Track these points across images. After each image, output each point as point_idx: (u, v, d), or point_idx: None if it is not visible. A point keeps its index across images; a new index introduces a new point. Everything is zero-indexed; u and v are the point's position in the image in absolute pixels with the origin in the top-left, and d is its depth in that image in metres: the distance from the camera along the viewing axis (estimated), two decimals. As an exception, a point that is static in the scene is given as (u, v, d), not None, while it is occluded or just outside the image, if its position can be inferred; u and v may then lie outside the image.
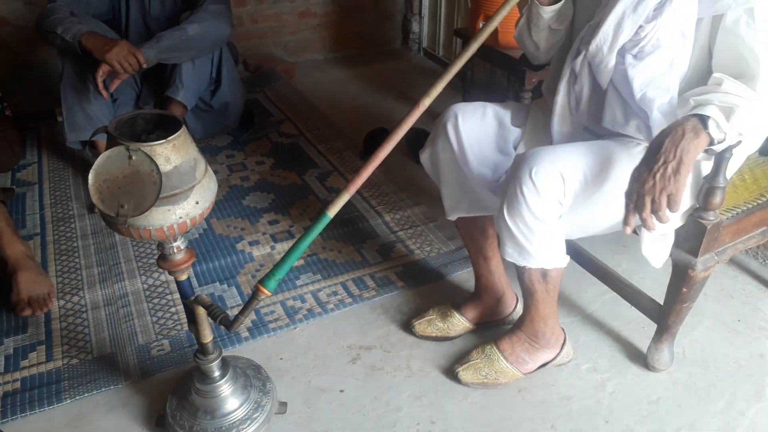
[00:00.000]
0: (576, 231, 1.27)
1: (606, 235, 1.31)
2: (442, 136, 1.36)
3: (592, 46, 1.15)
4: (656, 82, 1.12)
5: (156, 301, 1.67)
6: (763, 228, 1.39)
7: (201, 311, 1.16)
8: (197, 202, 0.99)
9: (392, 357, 1.51)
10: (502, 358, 1.40)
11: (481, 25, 1.17)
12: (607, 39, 1.13)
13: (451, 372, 1.44)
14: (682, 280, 1.30)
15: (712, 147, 1.04)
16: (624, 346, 1.53)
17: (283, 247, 1.90)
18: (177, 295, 1.68)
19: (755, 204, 1.33)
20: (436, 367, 1.47)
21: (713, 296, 1.68)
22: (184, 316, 1.58)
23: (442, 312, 1.56)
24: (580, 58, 1.19)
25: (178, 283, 1.14)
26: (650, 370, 1.45)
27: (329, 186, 2.26)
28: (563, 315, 1.61)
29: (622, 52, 1.14)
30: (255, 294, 1.11)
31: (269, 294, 1.11)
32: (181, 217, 0.97)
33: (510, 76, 2.32)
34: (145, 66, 2.03)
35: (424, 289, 1.73)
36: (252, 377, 1.32)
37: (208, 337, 1.19)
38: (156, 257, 1.18)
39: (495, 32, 2.18)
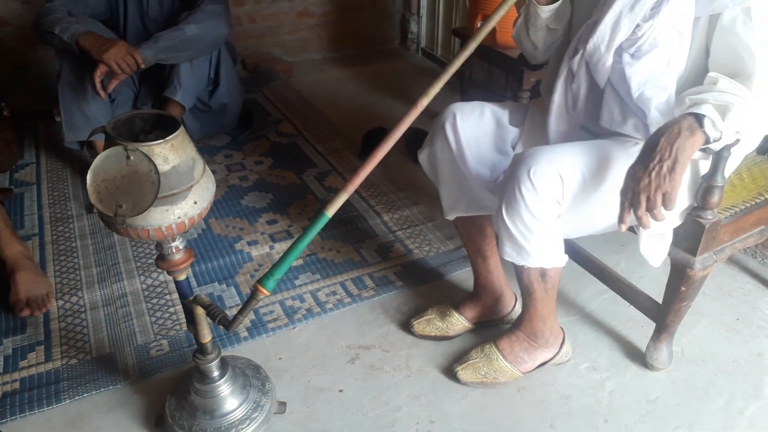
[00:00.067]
0: (574, 230, 1.27)
1: (604, 235, 1.31)
2: (441, 136, 1.36)
3: (590, 45, 1.15)
4: (653, 81, 1.12)
5: (155, 301, 1.67)
6: (761, 227, 1.39)
7: (200, 311, 1.16)
8: (195, 202, 0.99)
9: (391, 356, 1.51)
10: (501, 357, 1.40)
11: (479, 25, 1.17)
12: (604, 38, 1.13)
13: (450, 371, 1.44)
14: (680, 279, 1.30)
15: (710, 146, 1.04)
16: (623, 345, 1.53)
17: (281, 246, 1.90)
18: (176, 295, 1.68)
19: (753, 203, 1.33)
20: (435, 367, 1.48)
21: (712, 295, 1.68)
22: (183, 316, 1.57)
23: (441, 311, 1.56)
24: (577, 57, 1.19)
25: (177, 283, 1.14)
26: (649, 369, 1.46)
27: (328, 185, 2.26)
28: (562, 314, 1.61)
29: (619, 51, 1.14)
30: (254, 294, 1.11)
31: (268, 294, 1.10)
32: (179, 217, 0.97)
33: (508, 76, 2.32)
34: (143, 66, 2.03)
35: (422, 289, 1.73)
36: (251, 377, 1.32)
37: (206, 337, 1.19)
38: (155, 257, 1.18)
39: (493, 32, 2.18)
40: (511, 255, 1.23)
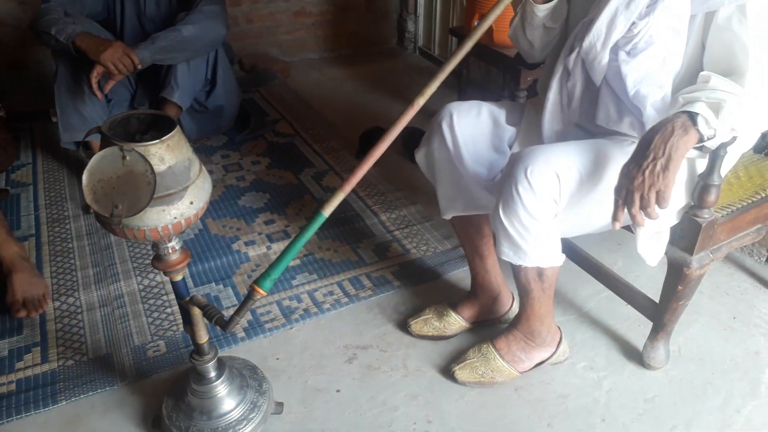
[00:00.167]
0: (571, 229, 1.27)
1: (601, 234, 1.31)
2: (438, 135, 1.36)
3: (586, 43, 1.15)
4: (649, 78, 1.12)
5: (152, 301, 1.67)
6: (757, 225, 1.39)
7: (196, 312, 1.16)
8: (192, 203, 0.99)
9: (389, 356, 1.51)
10: (498, 356, 1.40)
11: (476, 24, 1.17)
12: (600, 36, 1.13)
13: (447, 371, 1.44)
14: (677, 278, 1.30)
15: (706, 144, 1.04)
16: (620, 344, 1.54)
17: (279, 247, 1.90)
18: (173, 296, 1.67)
19: (750, 201, 1.33)
20: (433, 367, 1.47)
21: (709, 294, 1.68)
22: (180, 316, 1.57)
23: (438, 311, 1.56)
24: (573, 55, 1.19)
25: (174, 283, 1.14)
26: (646, 368, 1.46)
27: (325, 185, 2.25)
28: (559, 313, 1.61)
29: (615, 49, 1.14)
30: (250, 294, 1.11)
31: (264, 294, 1.10)
32: (175, 218, 0.97)
33: (505, 75, 2.32)
34: (139, 67, 2.03)
35: (420, 289, 1.73)
36: (248, 377, 1.32)
37: (203, 337, 1.19)
38: (151, 258, 1.18)
39: (490, 31, 2.18)
40: (508, 254, 1.23)
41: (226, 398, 1.24)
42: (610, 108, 1.19)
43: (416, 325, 1.55)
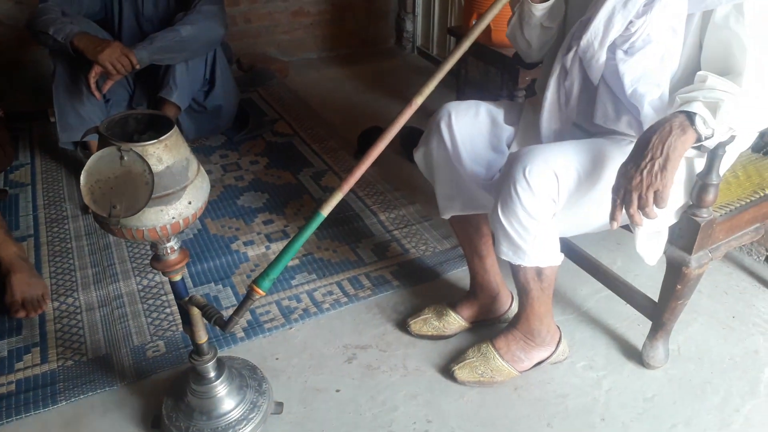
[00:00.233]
0: (570, 229, 1.27)
1: (600, 233, 1.31)
2: (436, 135, 1.36)
3: (583, 42, 1.15)
4: (647, 77, 1.12)
5: (151, 302, 1.67)
6: (756, 224, 1.39)
7: (195, 312, 1.16)
8: (190, 202, 0.99)
9: (388, 356, 1.51)
10: (497, 356, 1.40)
11: (473, 24, 1.17)
12: (597, 34, 1.13)
13: (447, 371, 1.44)
14: (676, 277, 1.30)
15: (704, 143, 1.04)
16: (619, 344, 1.54)
17: (278, 246, 1.90)
18: (172, 296, 1.66)
19: (748, 201, 1.33)
20: (432, 366, 1.47)
21: (707, 293, 1.69)
22: (179, 316, 1.57)
23: (437, 311, 1.56)
24: (571, 54, 1.19)
25: (172, 283, 1.14)
26: (645, 368, 1.46)
27: (324, 185, 2.25)
28: (558, 313, 1.61)
29: (612, 48, 1.14)
30: (249, 294, 1.11)
31: (263, 294, 1.10)
32: (173, 218, 0.97)
33: (504, 75, 2.32)
34: (137, 67, 2.03)
35: (419, 288, 1.73)
36: (248, 378, 1.32)
37: (203, 337, 1.19)
38: (150, 258, 1.18)
39: (488, 31, 2.18)
40: (507, 254, 1.23)
41: (225, 398, 1.24)
42: (608, 107, 1.19)
43: (415, 324, 1.55)
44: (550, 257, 1.24)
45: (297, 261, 1.83)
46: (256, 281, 1.10)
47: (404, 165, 2.35)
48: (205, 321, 1.16)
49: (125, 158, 0.90)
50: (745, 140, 1.25)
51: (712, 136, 1.03)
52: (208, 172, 2.30)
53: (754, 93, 1.05)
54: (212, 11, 2.18)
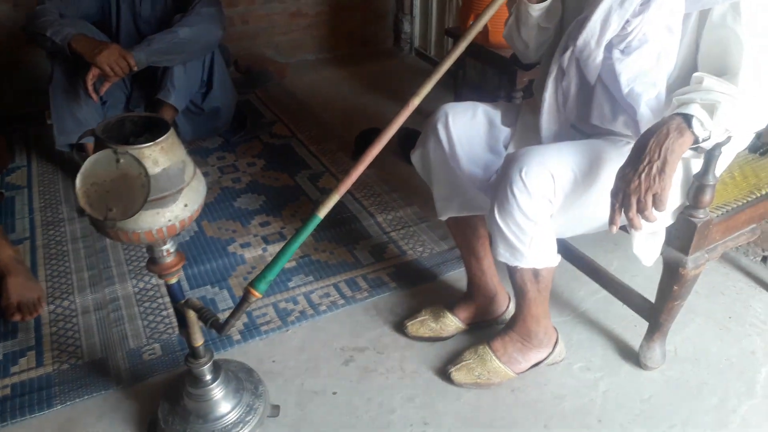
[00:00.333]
0: (567, 230, 1.27)
1: (597, 234, 1.31)
2: (433, 136, 1.36)
3: (580, 41, 1.15)
4: (643, 76, 1.12)
5: (147, 304, 1.67)
6: (752, 225, 1.39)
7: (191, 315, 1.15)
8: (186, 205, 0.98)
9: (385, 358, 1.50)
10: (494, 358, 1.40)
11: (470, 25, 1.17)
12: (594, 34, 1.13)
13: (444, 373, 1.43)
14: (673, 278, 1.31)
15: (701, 145, 1.04)
16: (616, 345, 1.54)
17: (274, 248, 1.90)
18: (168, 299, 1.66)
19: (745, 201, 1.34)
20: (429, 368, 1.47)
21: (704, 294, 1.69)
22: (176, 319, 1.57)
23: (434, 312, 1.56)
24: (567, 54, 1.19)
25: (168, 286, 1.14)
26: (642, 369, 1.46)
27: (321, 187, 2.25)
28: (555, 314, 1.61)
29: (609, 47, 1.14)
30: (245, 296, 1.10)
31: (259, 296, 1.10)
32: (170, 220, 0.97)
33: (501, 76, 2.32)
34: (135, 69, 2.02)
35: (416, 290, 1.73)
36: (244, 380, 1.32)
37: (198, 340, 1.19)
38: (146, 261, 1.18)
39: (485, 31, 2.18)
40: (504, 256, 1.23)
41: (222, 401, 1.24)
42: (605, 107, 1.19)
43: (413, 326, 1.55)
44: (547, 258, 1.24)
45: (294, 263, 1.82)
46: (253, 284, 1.09)
47: (402, 166, 2.35)
48: (201, 324, 1.16)
49: (121, 161, 0.90)
50: (742, 141, 1.25)
51: (710, 138, 1.03)
52: (205, 174, 2.29)
53: (751, 92, 1.05)
54: (210, 13, 2.18)
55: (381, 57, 3.66)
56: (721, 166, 1.21)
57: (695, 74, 1.07)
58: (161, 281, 1.68)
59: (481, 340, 1.45)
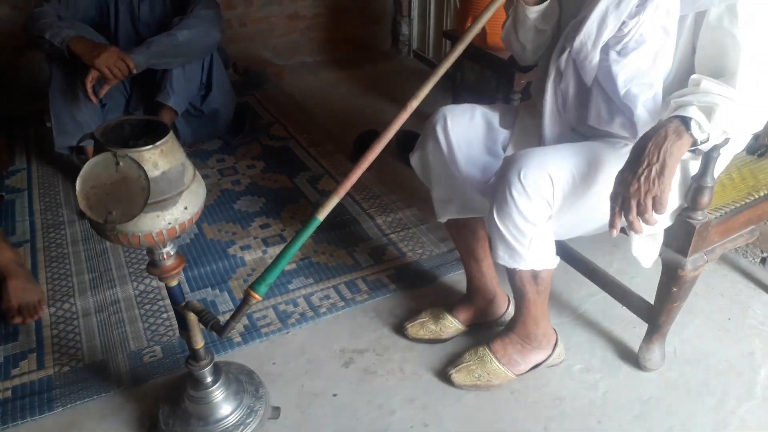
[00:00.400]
0: (566, 231, 1.27)
1: (596, 236, 1.31)
2: (432, 138, 1.36)
3: (576, 43, 1.16)
4: (640, 78, 1.13)
5: (148, 307, 1.67)
6: (751, 227, 1.40)
7: (192, 317, 1.16)
8: (186, 208, 0.99)
9: (385, 360, 1.51)
10: (494, 359, 1.40)
11: (468, 27, 1.18)
12: (590, 35, 1.14)
13: (443, 374, 1.44)
14: (672, 279, 1.31)
15: (699, 147, 1.05)
16: (615, 346, 1.54)
17: (275, 251, 1.90)
18: (169, 301, 1.67)
19: (743, 203, 1.34)
20: (429, 370, 1.48)
21: (703, 295, 1.69)
22: (176, 321, 1.57)
23: (434, 314, 1.56)
24: (564, 56, 1.20)
25: (169, 289, 1.14)
26: (642, 370, 1.46)
27: (321, 189, 2.25)
28: (554, 316, 1.61)
29: (606, 49, 1.14)
30: (246, 299, 1.11)
31: (260, 299, 1.10)
32: (170, 223, 0.97)
33: (499, 78, 2.33)
34: (134, 71, 2.03)
35: (416, 292, 1.73)
36: (244, 382, 1.32)
37: (199, 343, 1.19)
38: (147, 263, 1.18)
39: (483, 33, 2.19)
40: (503, 258, 1.23)
41: (222, 403, 1.24)
42: (602, 108, 1.20)
43: (413, 328, 1.55)
44: (546, 260, 1.24)
45: (294, 265, 1.83)
46: (253, 286, 1.10)
47: (401, 168, 2.35)
48: (202, 326, 1.16)
49: (121, 164, 0.90)
50: (740, 142, 1.25)
51: (708, 140, 1.03)
52: (205, 176, 2.30)
53: (749, 93, 1.05)
54: (209, 15, 2.19)
55: (379, 59, 3.66)
56: (719, 168, 1.21)
57: (693, 76, 1.08)
58: (162, 283, 1.70)
59: (480, 342, 1.45)
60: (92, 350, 1.53)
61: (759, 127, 1.12)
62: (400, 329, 1.58)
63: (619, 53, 1.13)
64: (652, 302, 1.40)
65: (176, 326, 1.58)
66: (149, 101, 2.28)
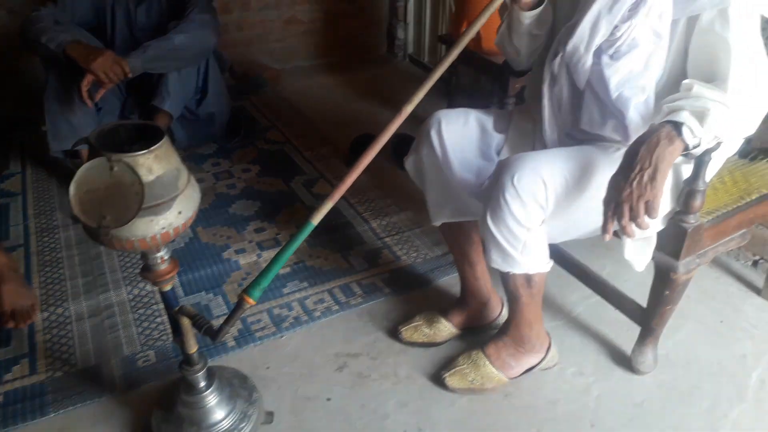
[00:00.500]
0: (559, 235, 1.28)
1: (589, 239, 1.32)
2: (426, 143, 1.37)
3: (569, 47, 1.17)
4: (632, 81, 1.14)
5: (141, 311, 1.66)
6: (743, 230, 1.41)
7: (186, 322, 1.15)
8: (180, 212, 0.99)
9: (379, 364, 1.51)
10: (488, 363, 1.41)
11: (463, 32, 1.18)
12: (583, 39, 1.14)
13: (437, 378, 1.44)
14: (664, 283, 1.32)
15: (691, 151, 1.05)
16: (609, 349, 1.54)
17: (269, 255, 1.90)
18: (163, 305, 1.67)
19: (735, 206, 1.35)
20: (423, 374, 1.48)
21: (696, 298, 1.70)
22: (170, 326, 1.57)
23: (428, 318, 1.56)
24: (557, 60, 1.21)
25: (162, 293, 1.14)
26: (635, 373, 1.47)
27: (316, 193, 2.26)
28: (548, 319, 1.61)
29: (598, 53, 1.15)
30: (239, 303, 1.11)
31: (254, 303, 1.10)
32: (164, 228, 0.97)
33: (494, 82, 2.34)
34: (130, 75, 2.02)
35: (410, 296, 1.74)
36: (238, 387, 1.32)
37: (193, 347, 1.19)
38: (140, 268, 1.18)
39: (478, 38, 2.20)
40: (497, 262, 1.23)
41: (215, 408, 1.24)
42: (594, 111, 1.21)
43: (407, 332, 1.55)
44: (540, 264, 1.25)
45: (288, 269, 1.83)
46: (247, 290, 1.10)
47: (395, 172, 2.36)
48: (196, 331, 1.16)
49: (115, 168, 0.90)
50: (732, 146, 1.26)
51: (700, 144, 1.04)
52: (200, 180, 2.30)
53: (740, 98, 1.06)
54: (205, 20, 2.19)
55: (375, 63, 3.67)
56: (711, 172, 1.22)
57: (685, 81, 1.08)
58: (156, 288, 1.70)
59: (474, 346, 1.46)
60: (85, 355, 1.52)
61: (751, 131, 1.13)
62: (394, 333, 1.58)
63: (611, 57, 1.14)
64: (645, 305, 1.40)
65: (170, 331, 1.56)
66: (145, 105, 2.28)
